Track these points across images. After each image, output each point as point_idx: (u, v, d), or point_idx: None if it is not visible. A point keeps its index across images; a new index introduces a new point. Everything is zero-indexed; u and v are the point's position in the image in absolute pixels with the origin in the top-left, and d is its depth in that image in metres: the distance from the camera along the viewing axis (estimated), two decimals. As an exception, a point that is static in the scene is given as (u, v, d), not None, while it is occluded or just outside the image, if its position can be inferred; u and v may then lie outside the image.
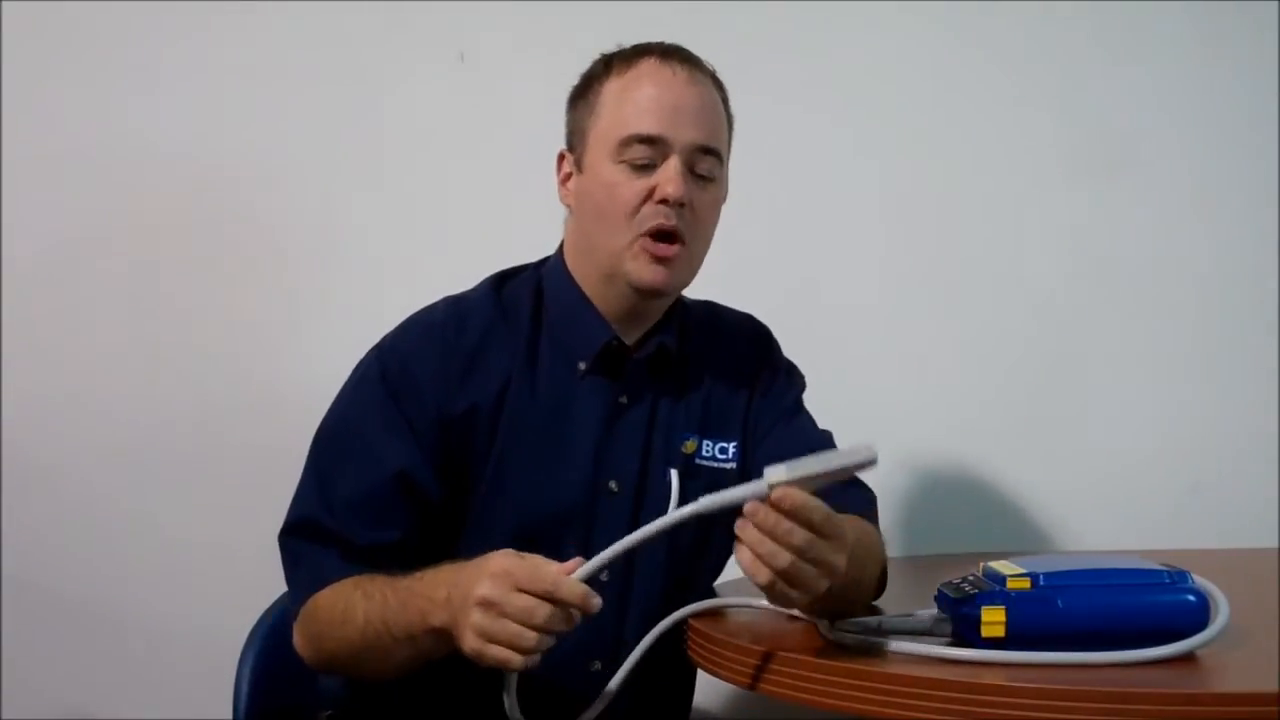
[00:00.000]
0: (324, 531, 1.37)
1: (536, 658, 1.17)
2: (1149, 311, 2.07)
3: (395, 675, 1.33)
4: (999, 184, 2.07)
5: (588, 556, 1.39)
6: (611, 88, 1.42)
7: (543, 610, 1.15)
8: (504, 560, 1.18)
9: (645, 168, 1.39)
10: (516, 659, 1.16)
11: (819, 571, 1.13)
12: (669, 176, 1.38)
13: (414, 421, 1.38)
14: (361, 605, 1.29)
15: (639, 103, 1.40)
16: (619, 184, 1.40)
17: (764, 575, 1.12)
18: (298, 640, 1.38)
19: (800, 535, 1.11)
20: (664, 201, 1.38)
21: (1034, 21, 2.06)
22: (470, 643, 1.18)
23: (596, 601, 1.16)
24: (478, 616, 1.16)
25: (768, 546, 1.11)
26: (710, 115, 1.42)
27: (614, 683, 1.29)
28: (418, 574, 1.28)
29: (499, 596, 1.15)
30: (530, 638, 1.15)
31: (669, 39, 1.45)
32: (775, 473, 1.12)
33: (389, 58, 2.00)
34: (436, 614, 1.22)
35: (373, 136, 2.00)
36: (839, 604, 1.24)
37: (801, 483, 1.12)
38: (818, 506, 1.12)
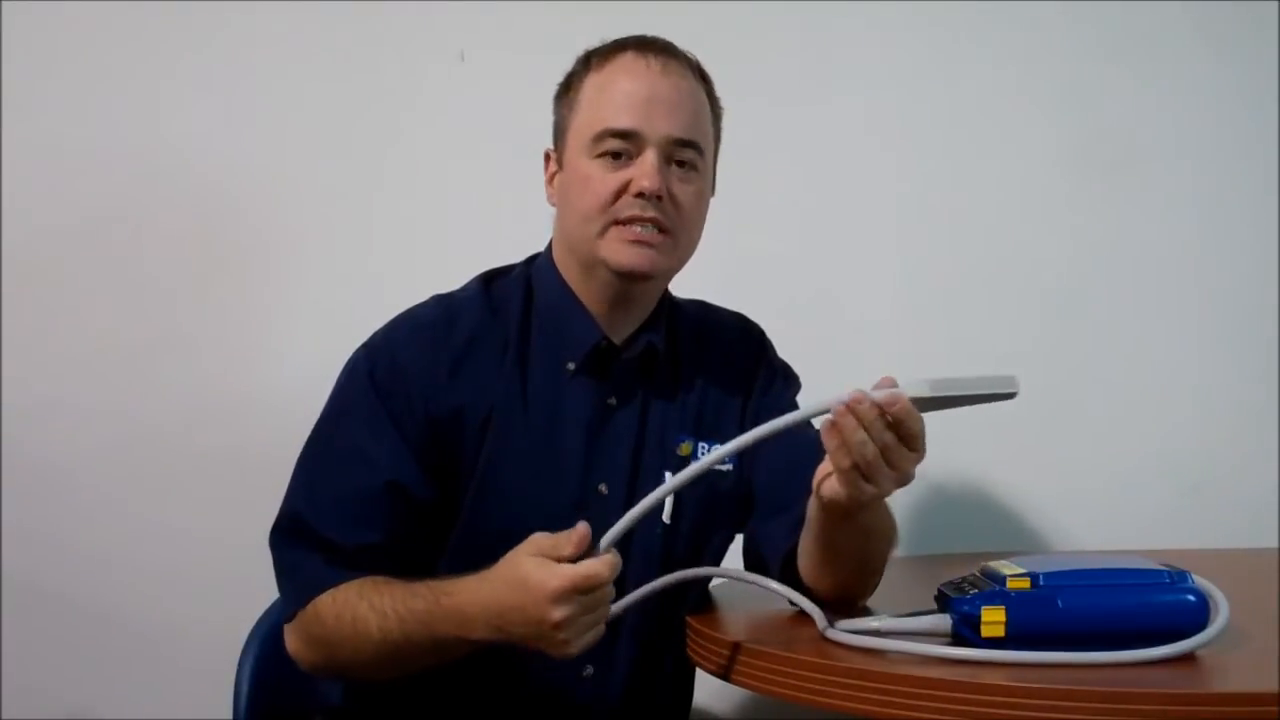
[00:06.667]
0: (311, 532, 1.36)
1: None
2: (1149, 311, 2.07)
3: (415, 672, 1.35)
4: (998, 185, 2.07)
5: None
6: (590, 83, 1.43)
7: (601, 595, 1.22)
8: (550, 579, 1.20)
9: (622, 161, 1.39)
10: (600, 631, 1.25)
11: (894, 475, 1.21)
12: (644, 170, 1.38)
13: (402, 423, 1.37)
14: (374, 620, 1.30)
15: (614, 97, 1.40)
16: (595, 178, 1.39)
17: (846, 461, 1.20)
18: (295, 644, 1.38)
19: (889, 437, 1.19)
20: (640, 195, 1.38)
21: (1035, 22, 2.06)
22: (561, 653, 1.23)
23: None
24: (561, 636, 1.21)
25: (859, 435, 1.18)
26: (687, 106, 1.41)
27: (621, 605, 1.30)
28: (426, 588, 1.28)
29: (571, 613, 1.20)
30: (604, 615, 1.24)
31: (671, 39, 1.45)
32: (918, 387, 1.19)
33: (389, 58, 2.00)
34: (477, 631, 1.25)
35: (372, 136, 1.99)
36: (861, 558, 1.35)
37: (933, 399, 1.20)
38: (919, 419, 1.20)
